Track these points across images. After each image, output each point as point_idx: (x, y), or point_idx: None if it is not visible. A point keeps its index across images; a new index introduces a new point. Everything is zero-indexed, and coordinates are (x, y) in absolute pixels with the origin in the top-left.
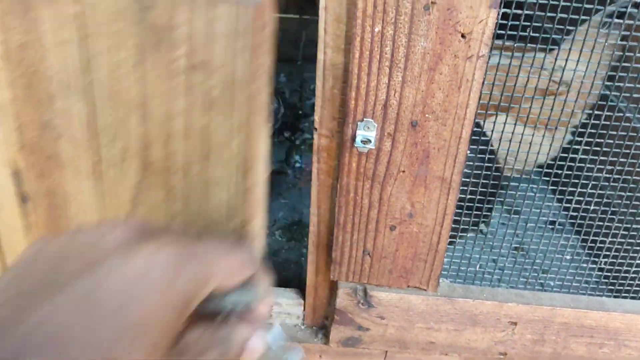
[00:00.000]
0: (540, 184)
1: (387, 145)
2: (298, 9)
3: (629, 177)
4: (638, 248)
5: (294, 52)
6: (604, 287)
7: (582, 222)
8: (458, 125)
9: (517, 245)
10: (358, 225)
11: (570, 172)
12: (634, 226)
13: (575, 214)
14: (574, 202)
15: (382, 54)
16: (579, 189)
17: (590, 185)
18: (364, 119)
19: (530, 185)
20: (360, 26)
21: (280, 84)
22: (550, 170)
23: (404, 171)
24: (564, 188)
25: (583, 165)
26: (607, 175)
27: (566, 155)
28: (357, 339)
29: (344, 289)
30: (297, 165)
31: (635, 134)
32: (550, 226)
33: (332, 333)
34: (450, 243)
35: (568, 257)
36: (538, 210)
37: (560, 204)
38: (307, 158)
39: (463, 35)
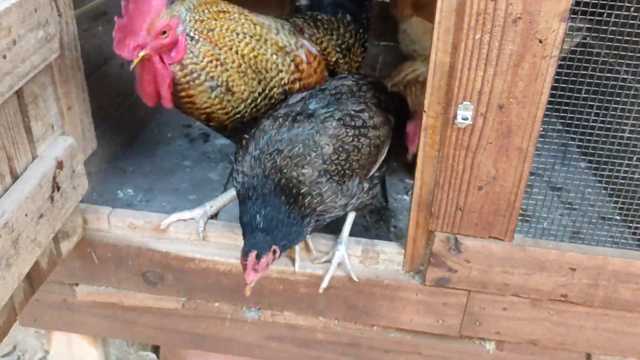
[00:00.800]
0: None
1: (479, 122)
2: (377, 35)
3: None
4: None
5: (372, 73)
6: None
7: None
8: (534, 108)
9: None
10: (453, 186)
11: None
12: None
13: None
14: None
15: (479, 54)
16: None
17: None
18: (463, 102)
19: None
20: (465, 34)
21: None
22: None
23: (491, 143)
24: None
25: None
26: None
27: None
28: (446, 279)
29: (439, 237)
30: None
31: None
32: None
33: (427, 274)
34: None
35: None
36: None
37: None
38: None
39: (540, 41)
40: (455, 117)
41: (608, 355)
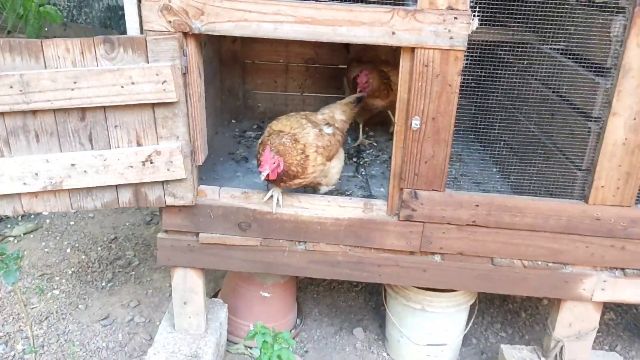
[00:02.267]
0: None
1: (423, 127)
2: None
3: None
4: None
5: None
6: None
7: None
8: (449, 118)
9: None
10: (412, 162)
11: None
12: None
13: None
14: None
15: (421, 92)
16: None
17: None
18: (415, 116)
19: None
20: (414, 83)
21: None
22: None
23: (430, 137)
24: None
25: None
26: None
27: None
28: (411, 216)
29: (405, 192)
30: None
31: None
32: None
33: (400, 213)
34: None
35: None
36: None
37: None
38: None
39: (450, 85)
40: (411, 125)
41: (502, 258)
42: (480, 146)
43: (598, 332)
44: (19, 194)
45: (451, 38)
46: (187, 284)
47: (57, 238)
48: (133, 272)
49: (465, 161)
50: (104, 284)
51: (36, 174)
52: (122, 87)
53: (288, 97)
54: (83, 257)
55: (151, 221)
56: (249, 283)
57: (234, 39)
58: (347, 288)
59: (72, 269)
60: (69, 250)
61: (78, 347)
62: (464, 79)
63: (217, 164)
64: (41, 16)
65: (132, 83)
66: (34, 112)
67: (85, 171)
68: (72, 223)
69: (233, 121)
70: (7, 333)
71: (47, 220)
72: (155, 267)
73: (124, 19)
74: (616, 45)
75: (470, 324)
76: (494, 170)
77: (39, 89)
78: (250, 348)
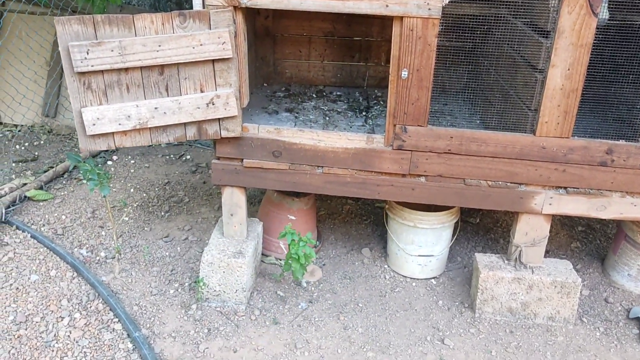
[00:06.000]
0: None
1: (410, 76)
2: (365, 59)
3: None
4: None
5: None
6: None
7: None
8: (429, 69)
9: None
10: (402, 104)
11: None
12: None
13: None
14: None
15: (408, 49)
16: None
17: None
18: (404, 68)
19: None
20: (403, 43)
21: None
22: None
23: (415, 84)
24: None
25: None
26: None
27: None
28: (402, 146)
29: (397, 127)
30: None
31: None
32: None
33: (393, 144)
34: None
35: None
36: None
37: None
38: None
39: (429, 44)
40: (401, 75)
41: (472, 179)
42: (460, 96)
43: (564, 256)
44: (113, 133)
45: (429, 9)
46: (234, 199)
47: (122, 182)
48: (185, 207)
49: (448, 105)
50: (162, 213)
51: (128, 116)
52: (193, 47)
53: (310, 64)
54: (144, 195)
55: (196, 171)
56: (279, 208)
57: (267, 16)
58: (358, 221)
59: (137, 203)
60: (132, 190)
61: (147, 255)
62: (448, 43)
63: (254, 115)
64: None
65: (200, 44)
66: (127, 69)
67: (164, 112)
68: (132, 171)
69: (265, 85)
70: (92, 245)
71: (112, 169)
72: (202, 203)
73: (170, 1)
74: (554, 14)
75: (453, 240)
76: (471, 111)
77: (133, 52)
78: (280, 260)
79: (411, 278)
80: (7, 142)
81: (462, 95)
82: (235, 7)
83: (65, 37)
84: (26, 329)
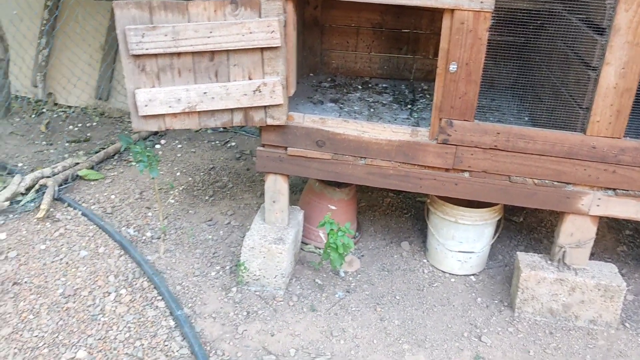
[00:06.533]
0: None
1: (459, 70)
2: (412, 51)
3: None
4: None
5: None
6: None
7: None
8: (479, 63)
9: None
10: (449, 97)
11: None
12: None
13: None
14: None
15: (458, 43)
16: None
17: None
18: (452, 62)
19: None
20: (453, 36)
21: None
22: None
23: (463, 78)
24: None
25: None
26: None
27: None
28: (447, 140)
29: (443, 120)
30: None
31: None
32: None
33: (438, 138)
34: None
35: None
36: None
37: None
38: None
39: (480, 38)
40: (449, 68)
41: (517, 176)
42: (509, 91)
43: (609, 259)
44: (164, 115)
45: (482, 2)
46: (276, 186)
47: (168, 165)
48: (228, 192)
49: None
50: (206, 198)
51: (179, 99)
52: (243, 35)
53: (357, 56)
54: (189, 179)
55: (240, 157)
56: (320, 197)
57: (316, 6)
58: (398, 214)
59: (182, 187)
60: (178, 173)
61: (191, 237)
62: (499, 37)
63: (299, 104)
64: None
65: (250, 32)
66: (179, 54)
67: (213, 98)
68: (178, 155)
69: (310, 74)
70: (139, 225)
71: (160, 152)
72: (245, 190)
73: None
74: (610, 11)
75: (495, 238)
76: (519, 107)
77: (185, 37)
78: (319, 249)
79: (450, 274)
80: (61, 123)
81: (511, 91)
82: None
83: (123, 21)
84: (74, 302)
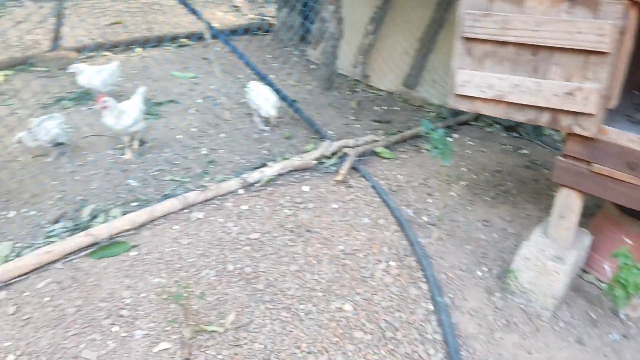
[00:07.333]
0: None
1: None
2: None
3: None
4: None
5: None
6: None
7: None
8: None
9: None
10: None
11: None
12: None
13: None
14: None
15: None
16: None
17: None
18: None
19: None
20: None
21: None
22: None
23: None
24: None
25: None
26: None
27: None
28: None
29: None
30: None
31: None
32: None
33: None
34: None
35: None
36: None
37: None
38: None
39: None
40: None
41: None
42: None
43: None
44: (475, 98)
45: None
46: (568, 202)
47: (456, 159)
48: (511, 198)
49: None
50: (487, 198)
51: (491, 85)
52: (569, 34)
53: None
54: (474, 176)
55: (529, 167)
56: (615, 227)
57: None
58: None
59: (465, 182)
60: (464, 169)
61: (464, 231)
62: None
63: (614, 120)
64: None
65: (579, 32)
66: (503, 42)
67: (523, 91)
68: (468, 152)
69: (634, 91)
70: (417, 207)
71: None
72: (529, 200)
73: None
74: None
75: None
76: None
77: (512, 27)
78: (601, 282)
79: None
80: (369, 103)
81: None
82: (632, 2)
83: (465, 4)
84: (351, 260)
